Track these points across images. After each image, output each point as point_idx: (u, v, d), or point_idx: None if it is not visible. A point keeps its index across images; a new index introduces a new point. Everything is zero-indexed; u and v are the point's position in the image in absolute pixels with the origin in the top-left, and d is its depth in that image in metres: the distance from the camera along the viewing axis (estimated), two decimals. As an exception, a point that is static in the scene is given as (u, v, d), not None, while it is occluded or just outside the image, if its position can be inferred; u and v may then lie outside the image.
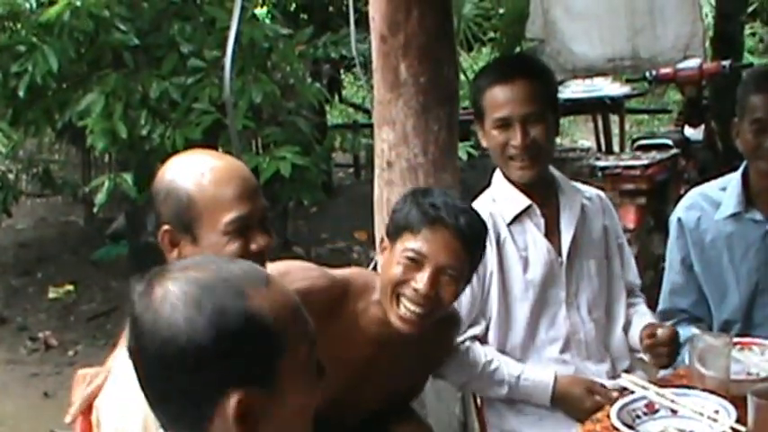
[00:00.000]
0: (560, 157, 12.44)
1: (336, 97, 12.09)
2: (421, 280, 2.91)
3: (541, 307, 3.50)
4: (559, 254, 3.51)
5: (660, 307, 3.90)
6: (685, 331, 3.44)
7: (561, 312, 3.52)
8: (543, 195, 3.53)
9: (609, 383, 3.39)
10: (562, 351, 3.50)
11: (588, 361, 3.53)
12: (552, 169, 3.62)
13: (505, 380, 3.41)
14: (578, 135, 13.75)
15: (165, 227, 2.61)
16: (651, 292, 3.93)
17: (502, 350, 3.48)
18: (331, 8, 11.19)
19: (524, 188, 3.50)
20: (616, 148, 10.12)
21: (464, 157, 7.58)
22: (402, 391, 3.38)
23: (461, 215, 2.95)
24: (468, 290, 3.27)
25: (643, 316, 3.65)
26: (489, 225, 3.35)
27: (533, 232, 3.50)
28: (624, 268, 3.72)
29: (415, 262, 2.92)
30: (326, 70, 10.41)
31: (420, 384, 3.49)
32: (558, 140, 11.82)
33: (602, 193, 3.75)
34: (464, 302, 3.37)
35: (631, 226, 6.61)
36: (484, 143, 3.58)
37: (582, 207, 3.59)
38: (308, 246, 9.09)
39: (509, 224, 3.49)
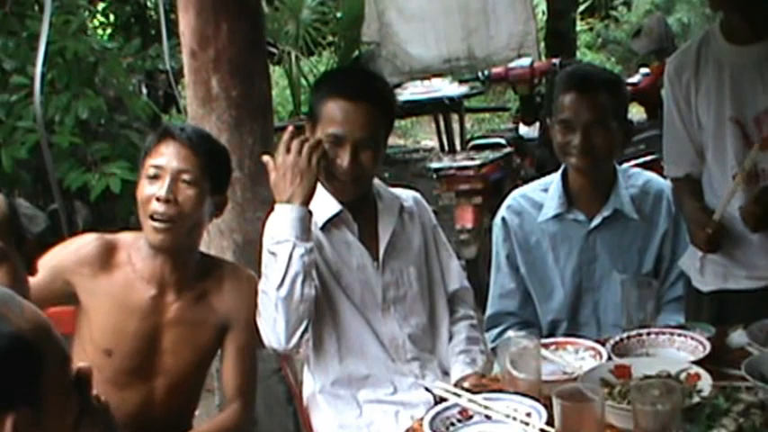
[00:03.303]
0: (404, 159, 12.58)
1: (174, 109, 11.95)
2: (160, 188, 3.08)
3: (359, 311, 3.48)
4: (375, 259, 3.50)
5: (489, 311, 3.92)
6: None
7: (377, 317, 3.49)
8: (360, 201, 3.51)
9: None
10: (383, 354, 3.48)
11: (410, 363, 3.52)
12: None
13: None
14: (422, 135, 13.81)
15: None
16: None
17: (325, 351, 3.46)
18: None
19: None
20: (459, 147, 10.19)
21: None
22: (197, 363, 3.37)
23: (187, 128, 3.21)
24: None
25: (459, 356, 3.60)
26: None
27: (347, 236, 3.49)
28: (446, 274, 3.71)
29: (155, 177, 3.11)
30: (162, 81, 10.26)
31: (210, 353, 3.43)
32: (401, 141, 11.87)
33: (418, 197, 3.73)
34: None
35: (469, 226, 6.67)
36: None
37: (401, 213, 3.59)
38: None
39: (321, 228, 3.45)
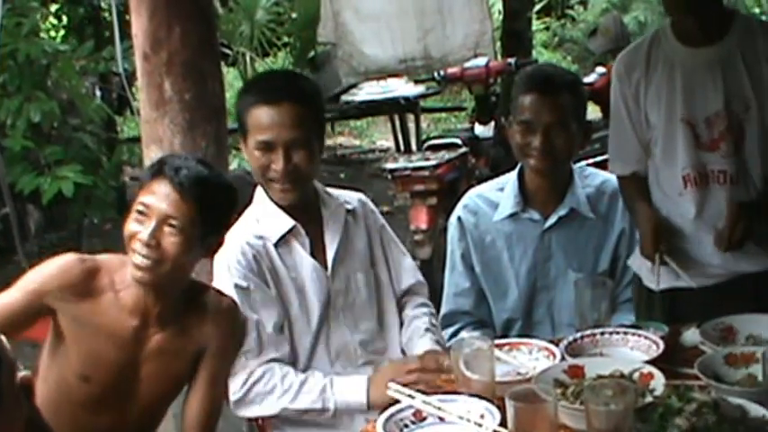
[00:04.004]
0: (359, 159, 12.57)
1: (129, 111, 11.90)
2: (145, 230, 2.93)
3: (312, 324, 3.46)
4: (325, 268, 3.49)
5: (443, 310, 3.92)
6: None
7: (328, 326, 3.48)
8: (307, 213, 3.48)
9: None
10: (333, 364, 3.46)
11: (362, 368, 3.49)
12: (315, 183, 3.57)
13: (319, 388, 3.33)
14: (377, 136, 13.80)
15: None
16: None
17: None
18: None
19: (287, 208, 3.44)
20: (415, 147, 10.19)
21: (248, 167, 7.48)
22: (172, 390, 3.31)
23: (183, 169, 2.98)
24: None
25: (427, 333, 3.60)
26: (258, 248, 3.37)
27: (300, 252, 3.45)
28: (397, 272, 3.69)
29: (143, 214, 2.96)
30: (116, 84, 10.21)
31: (186, 380, 3.37)
32: (357, 142, 11.86)
33: (364, 198, 3.73)
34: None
35: (424, 227, 6.65)
36: (245, 157, 3.53)
37: (345, 218, 3.56)
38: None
39: (275, 245, 3.43)
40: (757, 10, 16.29)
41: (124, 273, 3.05)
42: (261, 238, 3.41)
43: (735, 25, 3.58)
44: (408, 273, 3.73)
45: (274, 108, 3.32)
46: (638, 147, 3.73)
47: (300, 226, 3.44)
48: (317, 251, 3.48)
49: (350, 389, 3.31)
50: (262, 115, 3.33)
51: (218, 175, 3.13)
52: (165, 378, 3.20)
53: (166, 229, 2.94)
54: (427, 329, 3.59)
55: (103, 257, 3.15)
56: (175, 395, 3.33)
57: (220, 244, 3.18)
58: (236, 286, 3.34)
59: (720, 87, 3.55)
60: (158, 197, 2.96)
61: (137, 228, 2.95)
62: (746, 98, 3.55)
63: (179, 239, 2.96)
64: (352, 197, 3.69)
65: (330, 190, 3.62)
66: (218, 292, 3.28)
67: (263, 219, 3.43)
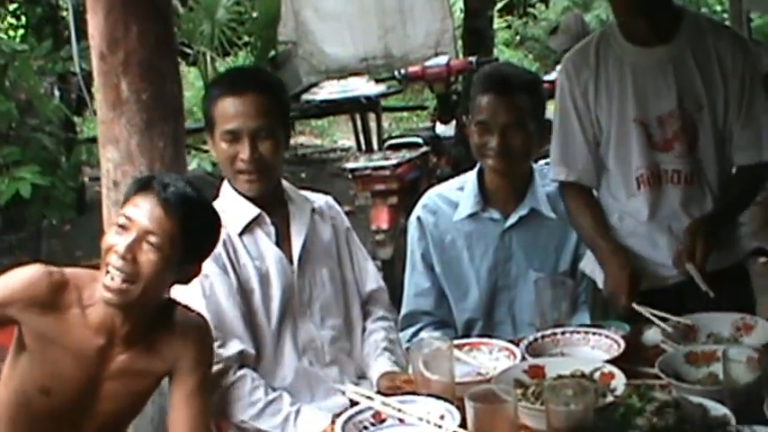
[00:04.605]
0: (320, 159, 12.56)
1: (88, 112, 11.83)
2: (124, 242, 2.86)
3: (284, 316, 3.43)
4: (291, 262, 3.46)
5: (404, 310, 3.91)
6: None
7: (295, 321, 3.45)
8: (273, 205, 3.48)
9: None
10: (300, 358, 3.44)
11: (328, 368, 3.47)
12: (282, 180, 3.57)
13: (283, 416, 3.29)
14: (339, 135, 13.78)
15: None
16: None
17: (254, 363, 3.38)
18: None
19: (253, 199, 3.44)
20: (376, 147, 10.18)
21: (209, 168, 7.48)
22: (134, 408, 3.25)
23: (171, 187, 2.91)
24: (202, 308, 3.24)
25: (384, 353, 3.56)
26: (221, 236, 3.29)
27: (265, 241, 3.45)
28: (361, 275, 3.68)
29: (124, 227, 2.89)
30: (75, 84, 10.15)
31: (148, 397, 3.30)
32: (318, 141, 11.84)
33: (330, 200, 3.71)
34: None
35: (385, 226, 6.65)
36: (213, 153, 3.53)
37: (312, 214, 3.56)
38: (63, 265, 8.80)
39: (240, 234, 3.41)
40: (719, 8, 16.39)
41: (93, 289, 2.96)
42: (224, 227, 3.32)
43: (684, 24, 3.55)
44: (371, 278, 3.71)
45: (239, 98, 3.37)
46: (585, 150, 3.66)
47: (266, 215, 3.45)
48: (283, 244, 3.47)
49: (312, 426, 3.24)
50: (227, 106, 3.37)
51: (206, 200, 3.07)
52: (127, 396, 3.13)
53: (145, 245, 2.87)
54: (385, 348, 3.56)
55: (73, 272, 3.06)
56: (137, 412, 3.28)
57: (194, 275, 3.11)
58: (199, 277, 3.26)
59: (673, 86, 3.52)
60: (142, 211, 2.89)
61: (115, 240, 2.88)
62: (699, 97, 3.52)
63: (156, 257, 2.88)
64: (318, 197, 3.69)
65: (295, 189, 3.63)
66: (187, 308, 3.19)
67: (229, 209, 3.39)
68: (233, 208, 3.42)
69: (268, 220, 3.46)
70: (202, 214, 3.01)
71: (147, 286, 2.90)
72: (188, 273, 3.07)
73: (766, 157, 3.57)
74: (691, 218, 3.54)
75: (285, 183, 3.59)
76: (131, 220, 2.89)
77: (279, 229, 3.49)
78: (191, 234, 2.93)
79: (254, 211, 3.43)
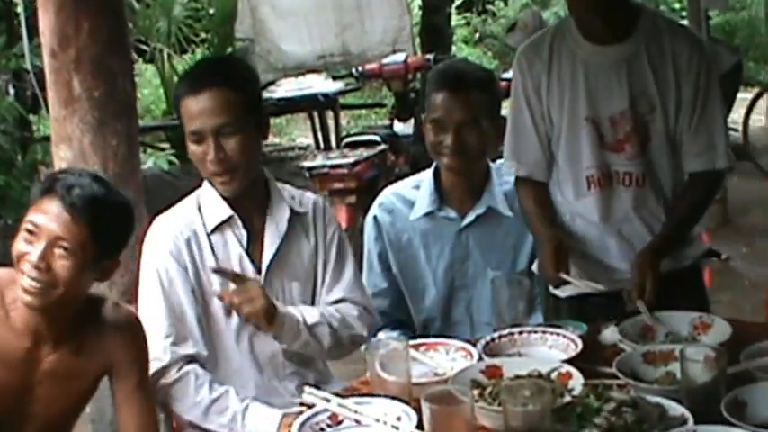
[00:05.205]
0: (279, 157, 12.51)
1: (44, 110, 11.72)
2: (35, 251, 2.79)
3: (239, 328, 3.33)
4: (259, 270, 3.34)
5: None
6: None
7: (257, 334, 3.34)
8: (251, 208, 3.36)
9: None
10: (259, 371, 3.35)
11: (288, 380, 3.38)
12: (271, 178, 3.46)
13: (230, 414, 3.19)
14: (297, 133, 13.75)
15: None
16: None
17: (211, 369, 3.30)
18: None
19: (230, 199, 3.32)
20: (335, 145, 10.17)
21: (165, 166, 7.43)
22: (71, 410, 3.18)
23: (75, 188, 2.84)
24: (160, 302, 3.19)
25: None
26: (188, 235, 3.26)
27: (233, 244, 3.33)
28: (330, 284, 3.47)
29: (32, 234, 2.81)
30: (30, 82, 10.07)
31: (86, 398, 3.24)
32: (276, 140, 11.79)
33: (321, 202, 3.56)
34: (157, 315, 3.21)
35: (344, 226, 6.61)
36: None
37: (291, 222, 3.40)
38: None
39: (210, 233, 3.31)
40: (677, 5, 16.50)
41: (15, 290, 2.89)
42: (194, 224, 3.31)
43: (641, 23, 3.50)
44: (342, 288, 3.48)
45: (197, 96, 3.22)
46: (538, 146, 3.62)
47: (238, 218, 3.34)
48: (254, 250, 3.36)
49: (262, 423, 3.18)
50: (188, 105, 3.23)
51: (114, 195, 2.98)
52: (65, 398, 3.07)
53: (57, 251, 2.81)
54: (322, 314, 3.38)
55: None
56: (78, 414, 3.21)
57: (114, 268, 3.04)
58: (158, 270, 3.24)
59: (626, 87, 3.48)
60: (49, 217, 2.81)
61: (26, 248, 2.81)
62: (651, 98, 3.48)
63: (70, 263, 2.82)
64: (307, 200, 3.52)
65: (288, 188, 3.50)
66: (115, 304, 3.15)
67: (205, 205, 3.32)
68: (208, 205, 3.32)
69: (240, 223, 3.33)
70: (112, 211, 2.94)
71: (67, 289, 2.85)
72: (106, 268, 3.00)
73: (719, 165, 3.54)
74: (642, 221, 3.54)
75: (274, 184, 3.45)
76: (39, 227, 2.81)
77: (252, 234, 3.36)
78: (102, 234, 2.87)
79: (226, 212, 3.31)
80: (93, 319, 3.05)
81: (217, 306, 3.31)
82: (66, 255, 2.81)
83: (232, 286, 3.24)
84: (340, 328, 3.38)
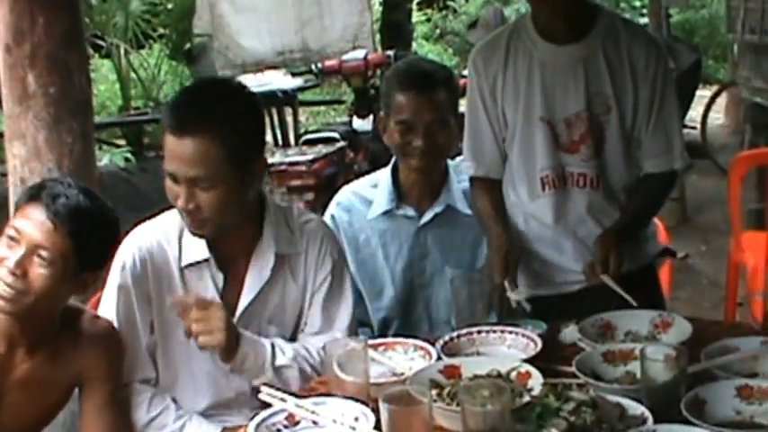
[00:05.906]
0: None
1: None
2: (13, 256, 2.77)
3: (207, 370, 3.19)
4: (233, 315, 3.11)
5: None
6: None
7: (226, 376, 3.20)
8: (234, 249, 3.16)
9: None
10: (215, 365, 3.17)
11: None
12: (269, 214, 3.20)
13: (167, 427, 3.12)
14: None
15: None
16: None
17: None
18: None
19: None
20: (293, 141, 10.14)
21: (121, 163, 7.36)
22: (41, 420, 3.14)
23: (61, 198, 2.80)
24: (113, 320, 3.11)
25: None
26: (161, 259, 3.13)
27: (208, 284, 3.14)
28: (332, 329, 3.27)
29: (14, 239, 2.80)
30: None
31: (57, 409, 3.18)
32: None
33: (321, 232, 3.31)
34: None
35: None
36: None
37: (276, 268, 3.18)
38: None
39: (185, 267, 3.14)
40: (638, 3, 16.58)
41: None
42: (169, 250, 3.15)
43: (599, 23, 3.49)
44: (331, 336, 3.20)
45: (179, 139, 2.93)
46: (494, 146, 3.61)
47: (215, 261, 3.15)
48: (232, 292, 3.17)
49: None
50: (169, 142, 2.96)
51: (101, 209, 2.93)
52: (33, 408, 3.03)
53: (36, 259, 2.79)
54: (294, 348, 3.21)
55: None
56: (45, 425, 3.15)
57: (95, 280, 3.00)
58: (120, 287, 3.12)
59: (582, 87, 3.46)
60: (31, 224, 2.79)
61: (5, 253, 2.80)
62: (607, 99, 3.46)
63: (48, 272, 2.80)
64: (305, 233, 3.26)
65: (290, 215, 3.28)
66: (94, 315, 3.11)
67: (186, 234, 3.14)
68: (188, 237, 3.12)
69: (215, 267, 3.15)
70: (96, 224, 2.90)
71: (40, 299, 2.81)
72: (86, 280, 2.96)
73: (677, 166, 3.56)
74: (597, 223, 3.53)
75: (272, 213, 3.21)
76: (20, 233, 2.80)
77: (232, 275, 3.16)
78: (84, 246, 2.84)
79: (203, 253, 3.13)
80: (71, 330, 3.01)
81: (182, 335, 3.09)
82: (45, 263, 2.79)
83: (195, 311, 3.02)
84: (312, 372, 3.18)
